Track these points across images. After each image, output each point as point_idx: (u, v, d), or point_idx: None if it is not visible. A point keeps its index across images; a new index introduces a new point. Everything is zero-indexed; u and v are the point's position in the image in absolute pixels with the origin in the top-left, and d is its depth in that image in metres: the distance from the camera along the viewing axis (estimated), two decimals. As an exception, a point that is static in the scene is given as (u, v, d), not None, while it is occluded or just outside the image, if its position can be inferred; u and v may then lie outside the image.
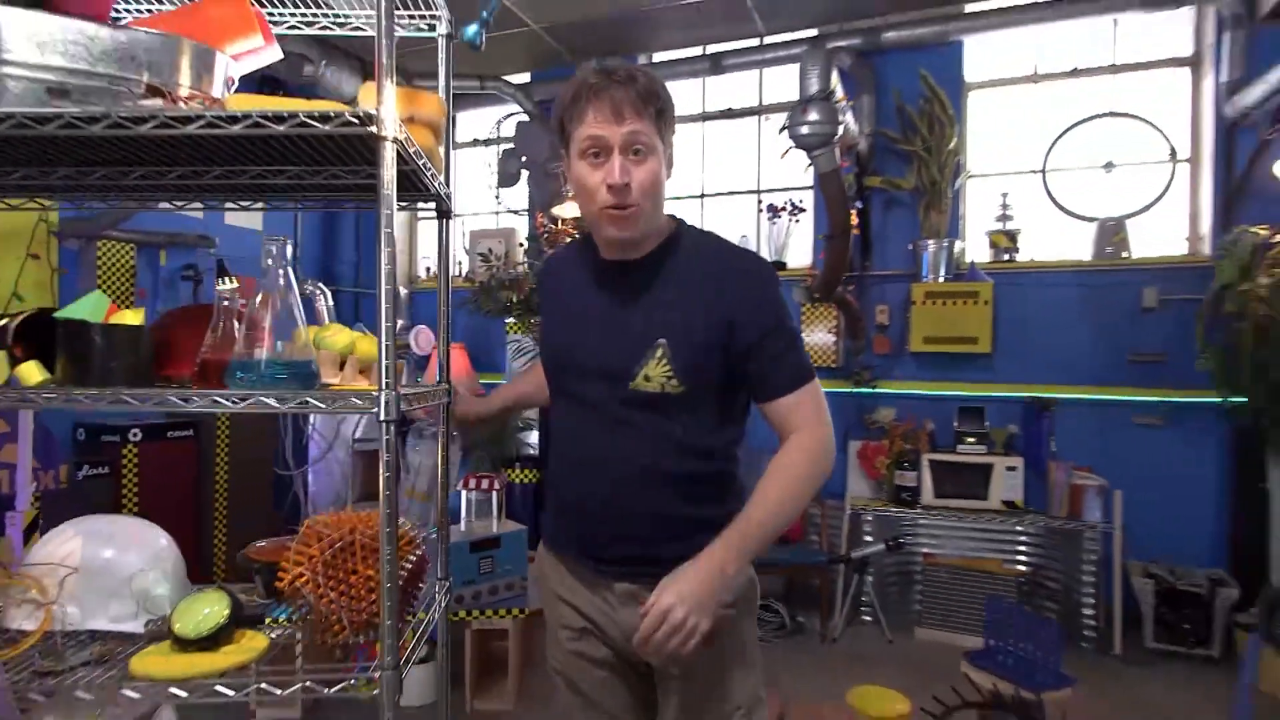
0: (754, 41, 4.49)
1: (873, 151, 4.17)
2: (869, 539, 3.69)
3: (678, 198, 4.89)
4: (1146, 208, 3.90)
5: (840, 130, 3.20)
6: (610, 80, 1.12)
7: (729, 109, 4.78)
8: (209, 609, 1.11)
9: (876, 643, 3.49)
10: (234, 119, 1.02)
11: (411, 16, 1.49)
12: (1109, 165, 4.01)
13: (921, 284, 3.98)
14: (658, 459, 1.17)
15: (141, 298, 4.06)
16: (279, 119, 1.02)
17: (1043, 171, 4.08)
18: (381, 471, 1.05)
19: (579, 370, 1.22)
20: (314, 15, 1.45)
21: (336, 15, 1.44)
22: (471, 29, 1.26)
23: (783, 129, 3.26)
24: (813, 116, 3.04)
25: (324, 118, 1.03)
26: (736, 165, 4.81)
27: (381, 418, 1.04)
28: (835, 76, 3.49)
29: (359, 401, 1.05)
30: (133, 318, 1.17)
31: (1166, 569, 3.43)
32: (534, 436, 4.36)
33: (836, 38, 4.16)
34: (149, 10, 1.29)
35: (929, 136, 4.03)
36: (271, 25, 1.38)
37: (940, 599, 3.58)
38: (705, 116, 4.85)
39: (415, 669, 2.90)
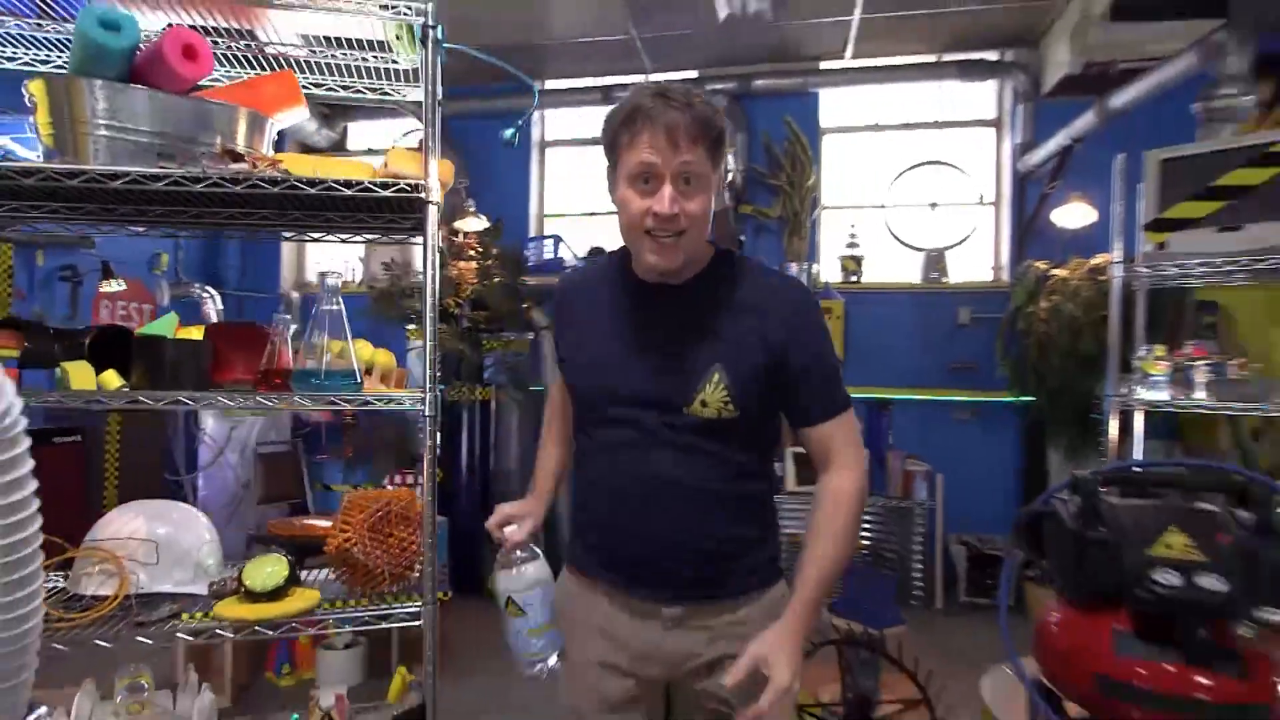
0: (641, 78, 4.96)
1: (745, 184, 4.76)
2: (742, 522, 4.24)
3: (562, 215, 5.28)
4: (961, 241, 4.73)
5: (730, 176, 3.73)
6: (668, 104, 1.09)
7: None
8: (271, 569, 1.38)
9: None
10: (311, 183, 1.32)
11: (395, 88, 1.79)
12: (934, 204, 4.81)
13: (785, 300, 4.60)
14: (713, 481, 1.17)
15: (20, 298, 3.92)
16: (348, 185, 1.33)
17: (883, 207, 4.83)
18: (426, 456, 1.38)
19: (625, 397, 1.17)
20: (320, 80, 1.72)
21: (340, 81, 1.72)
22: (509, 132, 1.58)
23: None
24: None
25: (384, 185, 1.35)
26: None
27: (427, 413, 1.37)
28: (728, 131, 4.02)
29: (409, 401, 1.37)
30: (196, 333, 1.42)
31: (975, 538, 4.22)
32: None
33: (713, 81, 4.72)
34: (217, 82, 1.52)
35: (791, 173, 4.67)
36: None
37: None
38: (595, 141, 5.27)
39: (342, 653, 3.10)
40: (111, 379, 1.36)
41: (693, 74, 4.84)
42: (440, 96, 1.57)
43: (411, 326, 4.44)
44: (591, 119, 5.27)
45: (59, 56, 1.48)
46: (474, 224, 4.47)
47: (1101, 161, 3.68)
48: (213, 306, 4.76)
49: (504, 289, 4.40)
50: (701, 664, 1.20)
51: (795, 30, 4.34)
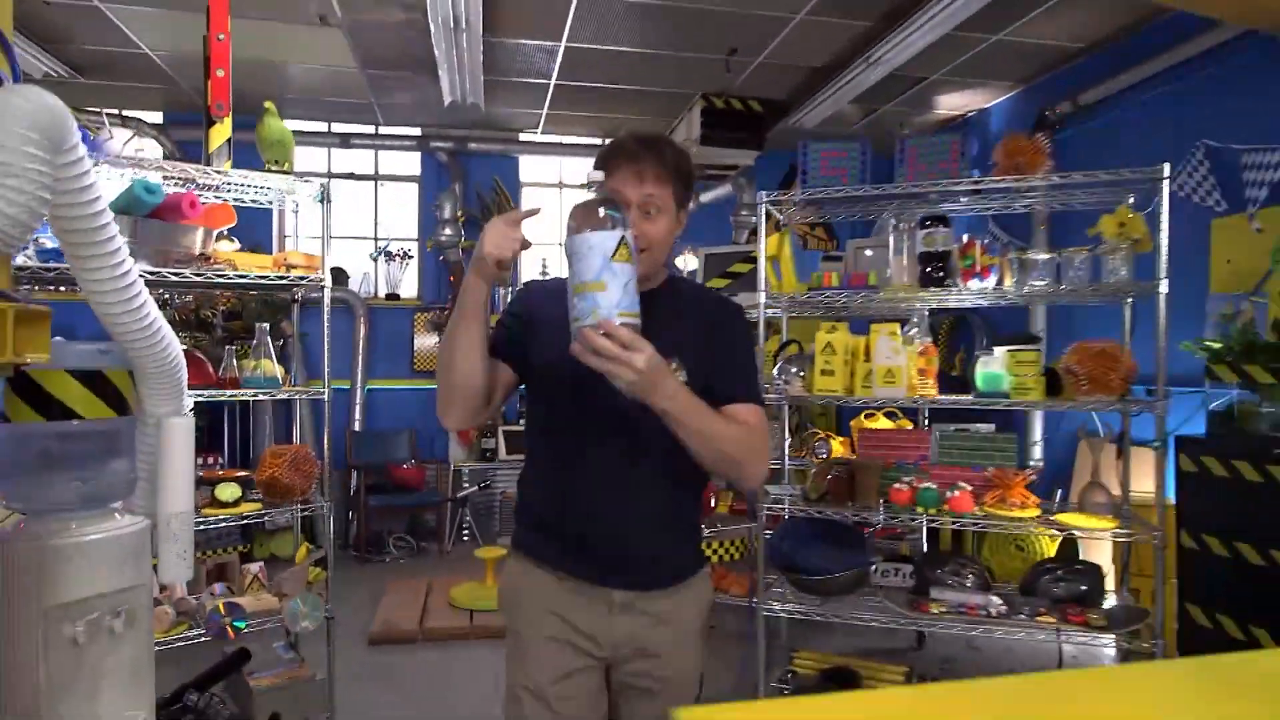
0: (373, 129, 6.00)
1: (466, 224, 6.07)
2: (467, 484, 5.58)
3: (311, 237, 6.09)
4: (621, 273, 6.58)
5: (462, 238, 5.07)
6: (643, 148, 1.28)
7: (351, 173, 6.19)
8: (232, 488, 2.45)
9: (472, 550, 5.40)
10: (274, 277, 2.42)
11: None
12: (601, 245, 6.59)
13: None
14: (673, 466, 1.28)
15: None
16: (302, 279, 2.45)
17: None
18: (327, 424, 2.55)
19: (595, 386, 1.16)
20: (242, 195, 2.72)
21: (254, 195, 2.73)
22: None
23: (430, 239, 5.00)
24: (447, 231, 4.81)
25: (302, 278, 2.49)
26: (357, 217, 6.25)
27: (327, 399, 2.55)
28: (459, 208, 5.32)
29: (320, 393, 2.54)
30: (173, 357, 2.41)
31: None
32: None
33: (436, 139, 5.95)
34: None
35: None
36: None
37: (510, 519, 5.67)
38: (331, 175, 6.16)
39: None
40: (127, 385, 2.32)
41: (417, 131, 6.01)
42: (330, 229, 2.73)
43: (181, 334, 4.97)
44: (330, 158, 6.16)
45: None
46: (227, 246, 5.14)
47: (695, 232, 5.70)
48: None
49: (259, 302, 5.17)
50: (639, 647, 1.34)
51: (502, 112, 5.76)
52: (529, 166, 6.43)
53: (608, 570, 1.33)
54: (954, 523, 2.56)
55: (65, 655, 1.75)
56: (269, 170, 2.58)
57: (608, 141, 1.37)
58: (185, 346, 2.34)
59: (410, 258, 6.06)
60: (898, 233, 2.64)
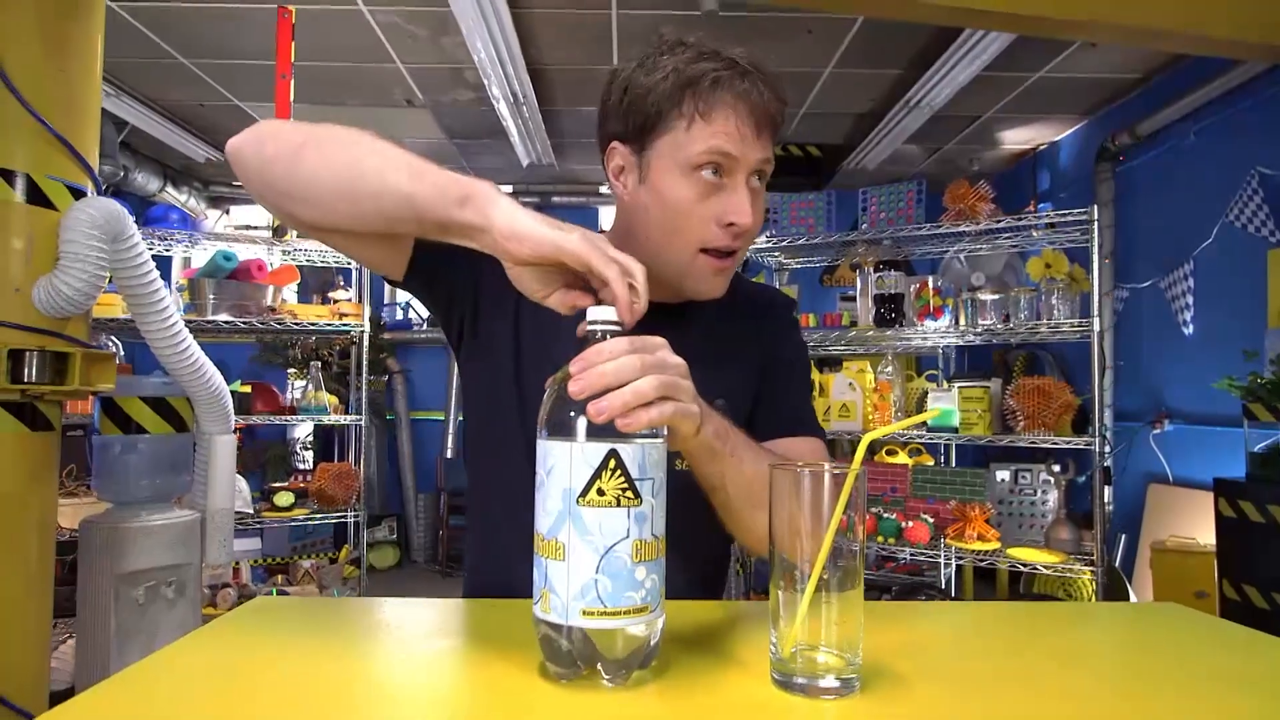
0: (470, 187, 6.74)
1: (546, 269, 6.65)
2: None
3: (413, 284, 6.88)
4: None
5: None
6: (747, 78, 0.80)
7: (452, 227, 6.96)
8: (287, 497, 3.01)
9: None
10: (314, 324, 2.99)
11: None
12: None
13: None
14: (693, 560, 0.86)
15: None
16: (331, 326, 3.01)
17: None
18: (364, 449, 3.06)
19: None
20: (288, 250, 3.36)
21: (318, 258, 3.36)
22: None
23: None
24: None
25: (346, 326, 3.04)
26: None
27: (364, 424, 3.06)
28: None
29: (356, 418, 3.07)
30: (244, 389, 3.02)
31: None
32: None
33: (524, 195, 6.60)
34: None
35: (579, 263, 6.63)
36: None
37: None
38: (435, 230, 6.97)
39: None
40: (210, 411, 2.94)
41: (508, 189, 6.69)
42: (370, 290, 3.29)
43: (292, 370, 5.87)
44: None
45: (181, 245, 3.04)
46: (342, 294, 6.00)
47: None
48: (118, 352, 5.91)
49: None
50: None
51: (576, 168, 6.32)
52: (609, 216, 6.93)
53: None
54: (911, 551, 2.66)
55: (130, 612, 2.30)
56: (326, 237, 3.17)
57: (687, 52, 0.83)
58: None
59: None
60: (863, 276, 2.82)
